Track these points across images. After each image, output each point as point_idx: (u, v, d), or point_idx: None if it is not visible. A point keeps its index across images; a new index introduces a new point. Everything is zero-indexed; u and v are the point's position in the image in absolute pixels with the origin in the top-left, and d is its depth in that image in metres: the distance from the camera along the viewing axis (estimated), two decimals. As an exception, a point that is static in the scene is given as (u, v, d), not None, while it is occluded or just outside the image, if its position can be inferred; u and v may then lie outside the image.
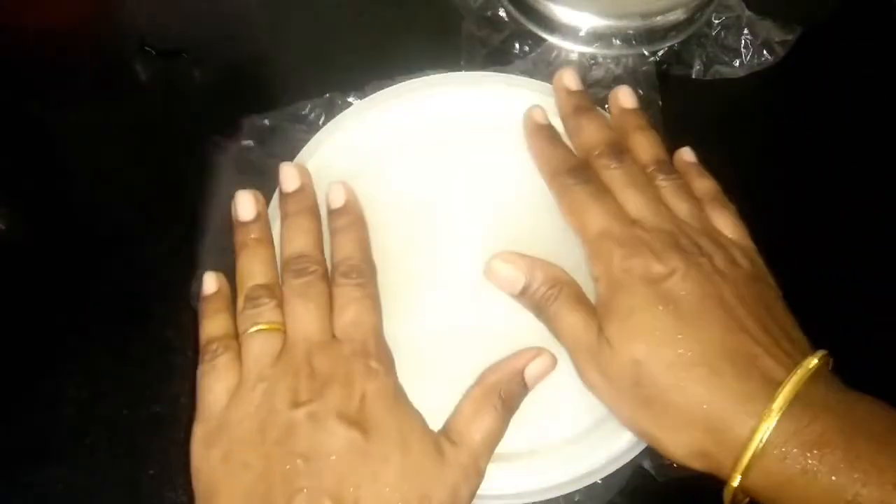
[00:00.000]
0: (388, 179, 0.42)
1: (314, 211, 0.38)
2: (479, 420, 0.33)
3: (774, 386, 0.30)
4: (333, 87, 0.45)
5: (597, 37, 0.48)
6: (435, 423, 0.34)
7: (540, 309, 0.36)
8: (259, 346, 0.34)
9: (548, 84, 0.43)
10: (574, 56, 0.48)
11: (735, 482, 0.30)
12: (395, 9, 0.53)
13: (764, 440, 0.29)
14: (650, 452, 0.36)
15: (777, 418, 0.29)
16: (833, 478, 0.29)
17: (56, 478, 0.39)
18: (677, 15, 0.48)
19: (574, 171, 0.38)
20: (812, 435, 0.29)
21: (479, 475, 0.33)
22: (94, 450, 0.39)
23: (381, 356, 0.34)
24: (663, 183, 0.38)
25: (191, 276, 0.41)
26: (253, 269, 0.36)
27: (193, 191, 0.46)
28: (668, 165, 0.39)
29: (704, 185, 0.39)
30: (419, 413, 0.33)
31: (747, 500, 0.32)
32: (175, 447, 0.39)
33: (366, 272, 0.36)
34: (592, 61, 0.48)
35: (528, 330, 0.37)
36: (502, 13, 0.50)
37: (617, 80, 0.46)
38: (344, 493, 0.30)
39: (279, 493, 0.30)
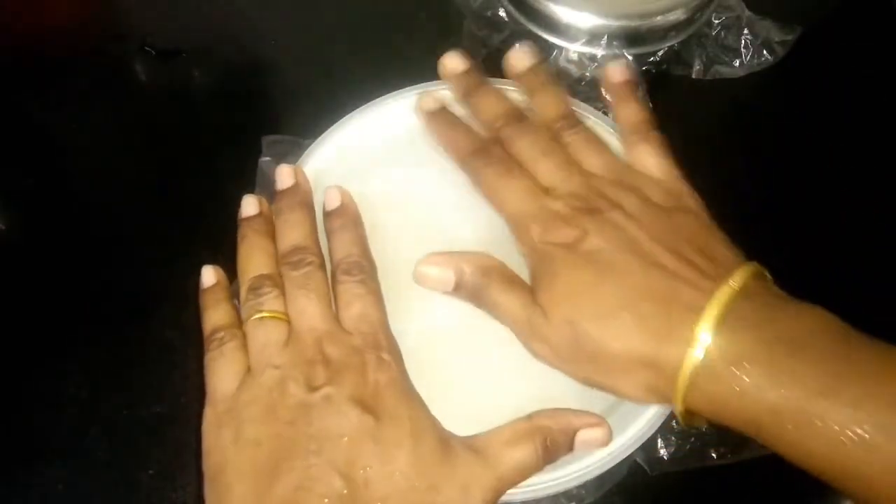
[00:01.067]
0: (387, 182, 0.41)
1: (308, 205, 0.38)
2: (515, 450, 0.32)
3: (697, 312, 0.31)
4: (333, 87, 0.45)
5: (597, 37, 0.48)
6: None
7: (477, 298, 0.36)
8: (265, 334, 0.34)
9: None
10: (574, 56, 0.48)
11: (679, 407, 0.32)
12: (396, 9, 0.53)
13: (693, 365, 0.30)
14: (644, 447, 0.36)
15: (701, 343, 0.30)
16: (759, 392, 0.29)
17: (56, 478, 0.39)
18: (677, 15, 0.48)
19: (479, 152, 0.38)
20: (736, 352, 0.30)
21: (495, 493, 0.32)
22: (94, 450, 0.40)
23: (391, 349, 0.34)
24: (569, 139, 0.38)
25: (191, 279, 0.42)
26: (254, 260, 0.36)
27: (193, 190, 0.46)
28: (573, 118, 0.39)
29: (628, 113, 0.39)
30: (429, 409, 0.33)
31: (706, 422, 0.33)
32: (175, 447, 0.39)
33: (367, 268, 0.36)
34: (592, 61, 0.48)
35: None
36: (502, 13, 0.50)
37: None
38: (354, 473, 0.30)
39: (288, 468, 0.30)
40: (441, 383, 0.35)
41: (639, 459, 0.37)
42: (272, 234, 0.38)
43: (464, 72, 0.42)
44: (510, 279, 0.36)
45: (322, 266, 0.36)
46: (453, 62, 0.42)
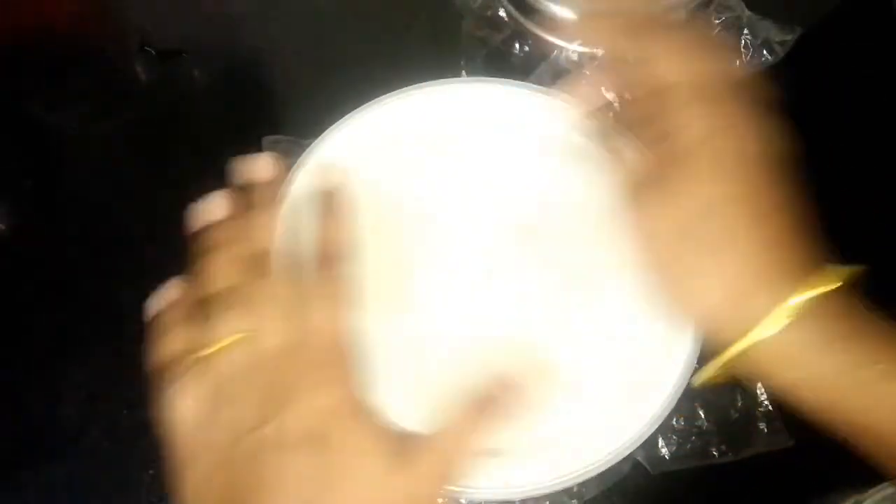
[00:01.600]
0: (387, 182, 0.42)
1: (280, 202, 0.38)
2: (463, 440, 0.33)
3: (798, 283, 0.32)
4: (333, 87, 0.45)
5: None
6: (433, 423, 0.34)
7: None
8: (220, 364, 0.33)
9: (545, 88, 0.43)
10: (574, 56, 0.48)
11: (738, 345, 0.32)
12: (395, 8, 0.53)
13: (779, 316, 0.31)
14: (644, 446, 0.36)
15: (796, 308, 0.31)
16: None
17: (56, 478, 0.39)
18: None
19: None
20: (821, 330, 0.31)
21: (447, 480, 0.33)
22: (94, 450, 0.39)
23: (342, 364, 0.34)
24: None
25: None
26: (217, 272, 0.35)
27: (194, 190, 0.46)
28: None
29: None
30: (380, 422, 0.33)
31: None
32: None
33: (338, 264, 0.36)
34: (592, 61, 0.48)
35: (527, 329, 0.38)
36: (502, 13, 0.50)
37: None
38: None
39: None
40: (437, 382, 0.35)
41: (640, 458, 0.37)
42: (240, 240, 0.36)
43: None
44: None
45: (293, 274, 0.35)
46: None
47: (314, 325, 0.34)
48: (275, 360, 0.33)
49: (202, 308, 0.34)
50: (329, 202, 0.38)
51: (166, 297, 0.36)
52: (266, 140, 0.42)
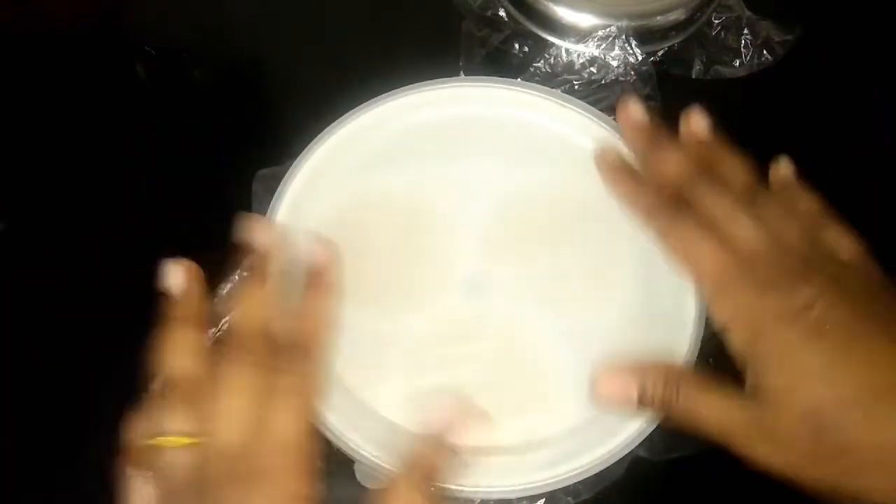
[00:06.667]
0: (386, 182, 0.42)
1: (276, 282, 0.34)
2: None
3: None
4: (333, 87, 0.45)
5: (596, 37, 0.48)
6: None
7: (666, 410, 0.32)
8: (168, 465, 0.30)
9: (544, 87, 0.43)
10: (574, 56, 0.48)
11: None
12: (395, 8, 0.53)
13: None
14: (647, 440, 0.36)
15: None
16: None
17: (56, 478, 0.39)
18: (677, 15, 0.48)
19: (669, 208, 0.35)
20: None
21: None
22: (95, 451, 0.39)
23: (299, 473, 0.30)
24: (765, 205, 0.34)
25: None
26: (169, 357, 0.32)
27: (194, 189, 0.46)
28: (765, 187, 0.36)
29: (809, 200, 0.36)
30: None
31: None
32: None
33: (310, 357, 0.33)
34: (591, 60, 0.48)
35: (526, 329, 0.38)
36: (502, 13, 0.50)
37: (617, 80, 0.46)
38: None
39: None
40: (437, 383, 0.35)
41: (640, 452, 0.37)
42: (198, 319, 0.33)
43: (646, 122, 0.39)
44: (704, 381, 0.32)
45: (263, 363, 0.32)
46: (635, 113, 0.39)
47: (274, 425, 0.30)
48: (226, 464, 0.30)
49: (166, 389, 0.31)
50: (315, 280, 0.35)
51: (148, 371, 0.33)
52: (259, 175, 0.42)
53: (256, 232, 0.35)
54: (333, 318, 0.34)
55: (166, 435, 0.30)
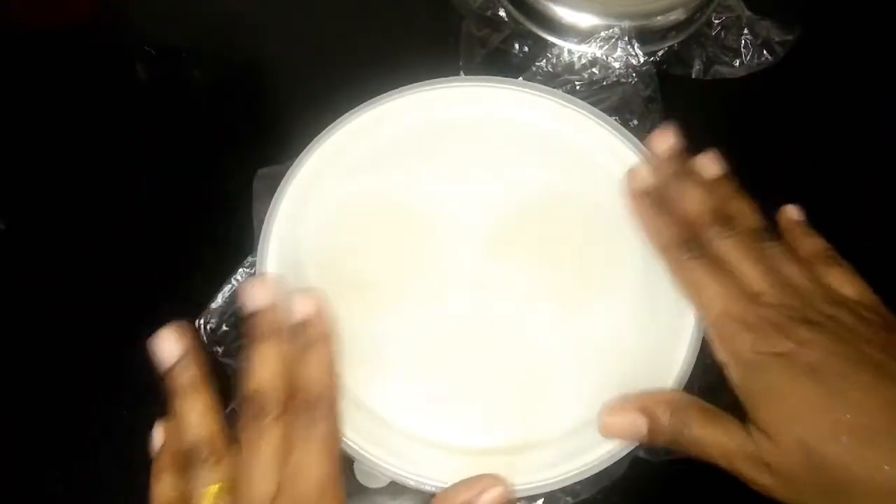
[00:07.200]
0: (385, 182, 0.42)
1: (281, 335, 0.35)
2: None
3: None
4: (333, 87, 0.45)
5: (597, 37, 0.48)
6: (432, 422, 0.34)
7: (674, 441, 0.33)
8: None
9: (546, 87, 0.43)
10: (574, 56, 0.48)
11: None
12: (395, 9, 0.53)
13: None
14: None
15: None
16: None
17: (56, 478, 0.39)
18: (677, 15, 0.48)
19: (687, 244, 0.36)
20: None
21: None
22: (94, 450, 0.40)
23: None
24: (771, 248, 0.36)
25: (193, 277, 0.42)
26: (186, 420, 0.33)
27: (193, 189, 0.46)
28: (771, 230, 0.38)
29: (814, 243, 0.38)
30: None
31: None
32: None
33: (322, 404, 0.33)
34: (592, 61, 0.48)
35: (526, 329, 0.38)
36: (502, 13, 0.50)
37: (618, 81, 0.46)
38: None
39: None
40: (438, 384, 0.35)
41: (640, 453, 0.37)
42: (202, 379, 0.34)
43: (675, 153, 0.40)
44: (706, 411, 0.33)
45: (282, 416, 0.33)
46: (667, 141, 0.40)
47: (307, 470, 0.31)
48: None
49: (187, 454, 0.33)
50: (309, 334, 0.35)
51: (155, 440, 0.34)
52: (259, 174, 0.42)
53: (254, 293, 0.35)
54: (337, 364, 0.35)
55: (199, 490, 0.31)
